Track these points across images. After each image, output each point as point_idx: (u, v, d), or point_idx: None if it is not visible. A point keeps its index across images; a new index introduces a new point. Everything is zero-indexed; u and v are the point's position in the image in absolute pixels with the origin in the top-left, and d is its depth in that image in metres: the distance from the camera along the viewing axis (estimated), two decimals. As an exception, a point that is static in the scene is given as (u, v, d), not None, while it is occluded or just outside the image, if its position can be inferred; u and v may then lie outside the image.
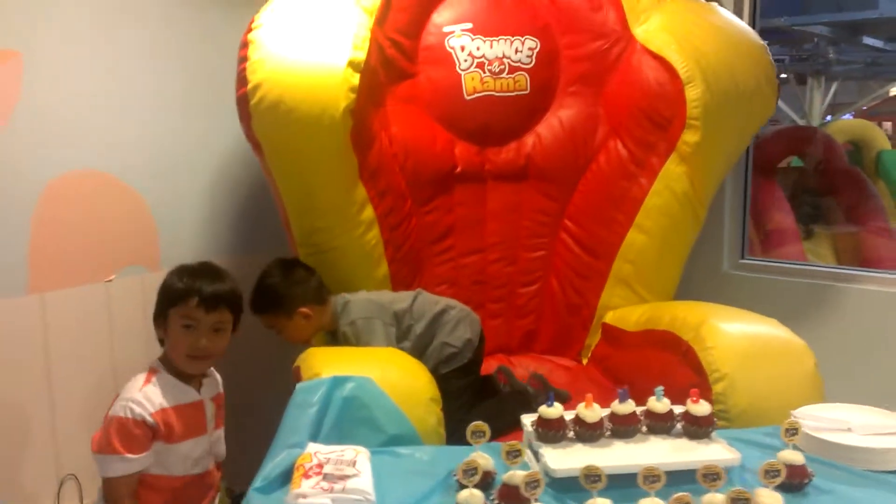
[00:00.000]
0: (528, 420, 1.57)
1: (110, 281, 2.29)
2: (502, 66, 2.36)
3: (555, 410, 1.47)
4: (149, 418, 1.66)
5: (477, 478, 1.27)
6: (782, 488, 1.31)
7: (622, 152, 2.33)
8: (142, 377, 1.72)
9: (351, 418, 1.59)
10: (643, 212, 2.29)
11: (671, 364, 1.96)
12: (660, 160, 2.26)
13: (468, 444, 1.39)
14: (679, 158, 2.22)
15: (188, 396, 1.75)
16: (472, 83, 2.35)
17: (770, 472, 1.25)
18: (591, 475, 1.22)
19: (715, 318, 1.91)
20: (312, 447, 1.50)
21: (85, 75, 2.13)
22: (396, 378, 1.67)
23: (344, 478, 1.38)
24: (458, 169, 2.39)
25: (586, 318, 2.42)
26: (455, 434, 1.71)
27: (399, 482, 1.42)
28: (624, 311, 2.31)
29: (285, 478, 1.43)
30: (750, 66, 2.22)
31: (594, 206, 2.39)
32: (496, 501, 1.29)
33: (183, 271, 1.74)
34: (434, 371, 1.87)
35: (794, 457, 1.36)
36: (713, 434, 1.49)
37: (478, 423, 1.39)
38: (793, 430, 1.38)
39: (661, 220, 2.28)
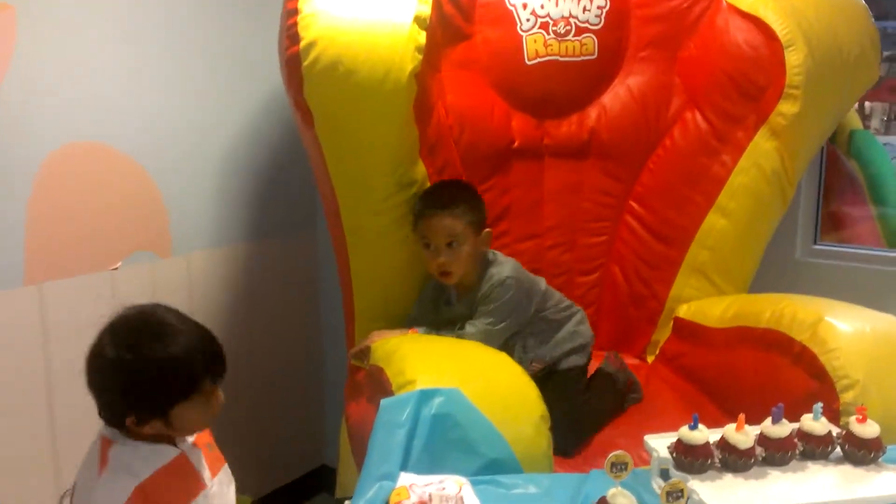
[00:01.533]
0: (657, 443, 1.33)
1: (116, 269, 2.03)
2: (568, 27, 2.09)
3: (700, 434, 1.23)
4: None
5: (641, 528, 1.02)
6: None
7: (702, 125, 2.08)
8: (95, 459, 1.28)
9: (442, 440, 1.34)
10: (726, 192, 2.04)
11: (778, 368, 1.73)
12: (747, 134, 2.01)
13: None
14: (770, 132, 1.98)
15: (165, 456, 1.32)
16: (534, 46, 2.08)
17: None
18: (790, 525, 0.98)
19: (831, 316, 1.68)
20: (405, 478, 1.26)
21: (92, 37, 1.89)
22: (503, 391, 1.42)
23: (457, 521, 1.13)
24: (516, 144, 2.12)
25: (653, 311, 2.18)
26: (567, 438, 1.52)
27: (517, 523, 1.17)
28: (702, 303, 2.07)
29: (381, 518, 1.18)
30: (854, 29, 1.97)
31: (666, 187, 2.15)
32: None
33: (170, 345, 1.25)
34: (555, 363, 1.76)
35: None
36: (881, 460, 1.26)
37: (619, 455, 1.15)
38: None
39: (746, 202, 2.04)
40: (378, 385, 1.49)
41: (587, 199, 2.21)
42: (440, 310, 1.91)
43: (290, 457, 2.68)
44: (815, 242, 2.43)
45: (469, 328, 1.79)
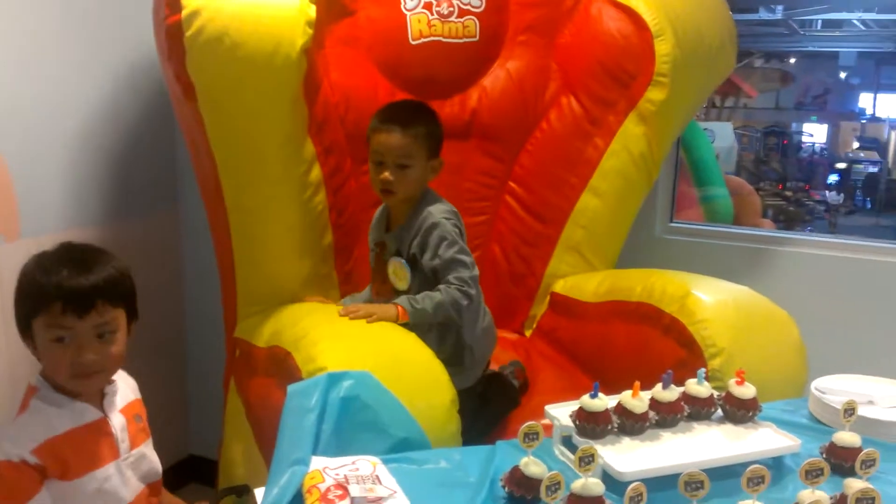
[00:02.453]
0: (557, 412, 1.39)
1: None
2: (451, 9, 2.11)
3: (601, 402, 1.30)
4: (29, 457, 1.27)
5: (560, 493, 1.07)
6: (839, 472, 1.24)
7: (576, 110, 2.17)
8: (17, 404, 1.33)
9: (351, 422, 1.33)
10: (598, 174, 2.15)
11: (649, 338, 1.85)
12: (618, 119, 2.13)
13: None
14: (639, 117, 2.10)
15: (85, 416, 1.36)
16: (418, 26, 2.08)
17: (812, 473, 1.12)
18: (694, 482, 1.07)
19: (697, 289, 1.82)
20: (317, 462, 1.23)
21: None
22: (415, 375, 1.42)
23: (377, 500, 1.13)
24: (399, 123, 2.11)
25: (531, 288, 2.27)
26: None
27: (432, 497, 1.19)
28: (576, 279, 2.18)
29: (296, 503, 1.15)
30: (716, 22, 2.13)
31: (543, 168, 2.23)
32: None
33: (39, 265, 1.32)
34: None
35: (853, 440, 1.29)
36: (756, 418, 1.39)
37: (530, 425, 1.19)
38: (850, 411, 1.31)
39: (616, 183, 2.16)
40: (285, 371, 1.45)
41: (469, 180, 2.25)
42: (380, 234, 1.84)
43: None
44: (671, 221, 2.61)
45: (439, 292, 1.69)
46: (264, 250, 1.80)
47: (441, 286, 1.70)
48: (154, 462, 1.51)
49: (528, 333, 2.28)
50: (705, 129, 3.05)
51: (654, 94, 2.07)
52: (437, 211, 1.74)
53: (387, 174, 1.71)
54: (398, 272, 1.78)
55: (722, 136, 4.61)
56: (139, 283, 2.41)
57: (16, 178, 1.96)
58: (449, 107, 2.18)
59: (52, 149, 2.05)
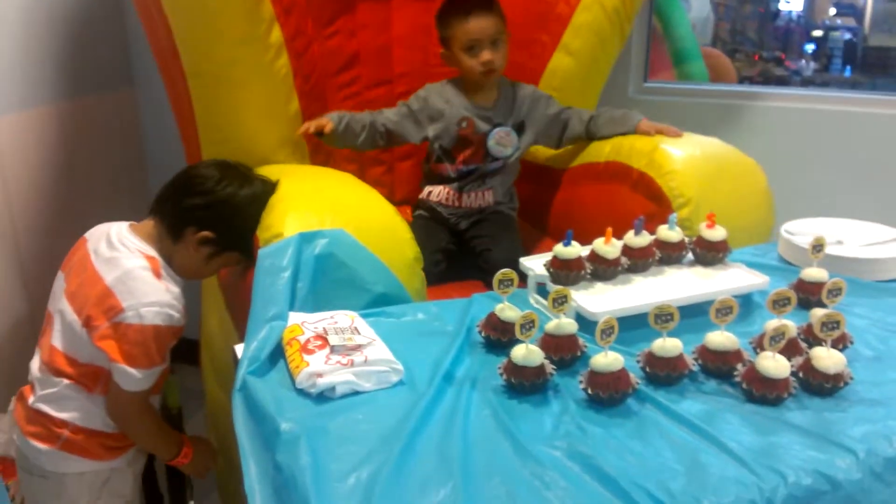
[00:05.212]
0: (531, 263, 1.40)
1: None
2: None
3: (573, 249, 1.31)
4: (183, 322, 1.45)
5: (534, 331, 1.09)
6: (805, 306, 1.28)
7: (546, -37, 2.08)
8: (145, 270, 1.41)
9: (327, 279, 1.33)
10: (570, 30, 2.08)
11: (618, 195, 1.85)
12: (590, -29, 2.04)
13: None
14: (611, -32, 2.02)
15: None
16: None
17: (779, 302, 1.14)
18: (663, 314, 1.09)
19: (665, 143, 1.81)
20: (295, 317, 1.24)
21: None
22: (377, 232, 1.40)
23: (357, 348, 1.15)
24: (360, -19, 2.02)
25: (504, 155, 2.24)
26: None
27: (411, 346, 1.21)
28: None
29: (276, 356, 1.17)
30: None
31: (513, 28, 2.14)
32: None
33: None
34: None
35: (820, 275, 1.31)
36: (726, 259, 1.41)
37: (505, 272, 1.20)
38: (818, 247, 1.33)
39: (590, 40, 2.10)
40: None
41: (437, 44, 2.17)
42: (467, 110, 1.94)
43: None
44: (644, 81, 2.57)
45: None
46: (228, 117, 1.74)
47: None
48: None
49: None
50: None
51: (627, -57, 1.98)
52: (521, 83, 2.01)
53: (488, 55, 1.85)
54: (504, 140, 1.94)
55: (698, 6, 4.49)
56: (100, 163, 2.38)
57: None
58: (413, -38, 2.08)
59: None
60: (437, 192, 1.99)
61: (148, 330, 1.36)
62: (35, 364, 1.49)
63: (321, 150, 1.98)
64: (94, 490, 1.49)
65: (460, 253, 1.94)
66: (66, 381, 1.43)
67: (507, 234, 1.95)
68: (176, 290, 1.43)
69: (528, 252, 1.78)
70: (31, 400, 1.46)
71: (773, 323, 1.11)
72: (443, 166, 1.97)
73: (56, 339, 1.44)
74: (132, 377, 1.38)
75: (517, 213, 2.10)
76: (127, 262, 1.40)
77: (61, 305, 1.45)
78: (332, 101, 2.06)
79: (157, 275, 1.41)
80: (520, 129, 1.98)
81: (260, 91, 1.75)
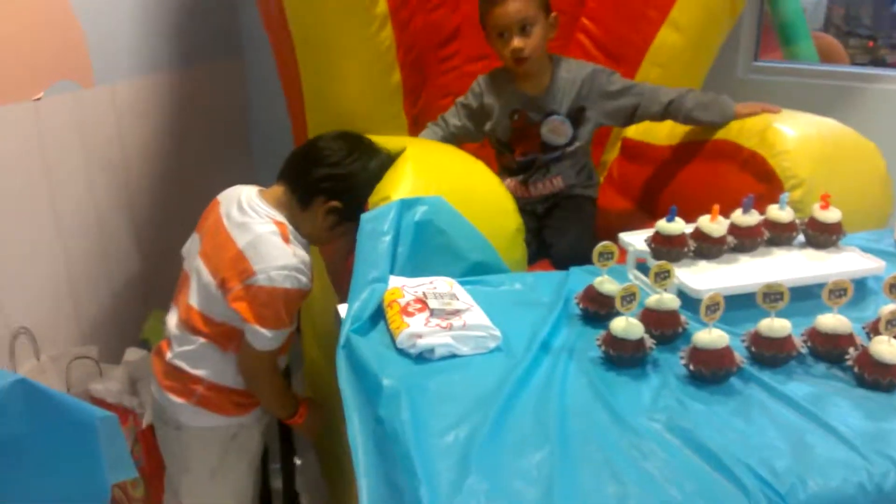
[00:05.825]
0: (631, 238, 1.38)
1: (39, 100, 1.89)
2: None
3: (677, 226, 1.28)
4: (311, 286, 1.50)
5: (635, 304, 1.07)
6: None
7: (656, -64, 2.03)
8: (275, 235, 1.46)
9: (426, 246, 1.35)
10: (679, 5, 2.02)
11: (725, 175, 1.78)
12: (700, -55, 1.98)
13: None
14: (725, -62, 1.95)
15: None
16: None
17: None
18: (773, 293, 1.06)
19: (779, 122, 1.74)
20: (397, 280, 1.27)
21: None
22: (481, 202, 1.42)
23: (456, 312, 1.16)
24: (467, -44, 2.02)
25: (602, 133, 2.20)
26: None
27: (508, 315, 1.21)
28: (649, 123, 2.10)
29: (377, 316, 1.20)
30: None
31: (620, 2, 2.11)
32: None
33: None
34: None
35: (943, 262, 1.25)
36: (840, 243, 1.35)
37: (606, 244, 1.19)
38: (942, 233, 1.26)
39: (698, 16, 2.03)
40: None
41: (538, 19, 2.15)
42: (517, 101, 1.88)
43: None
44: (754, 59, 2.47)
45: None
46: (332, 84, 1.78)
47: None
48: None
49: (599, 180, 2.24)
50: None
51: (743, -88, 1.90)
52: (577, 63, 1.89)
53: (515, 42, 1.75)
54: (558, 129, 1.86)
55: (809, -12, 4.28)
56: (208, 131, 2.48)
57: (84, 25, 1.98)
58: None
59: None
60: (507, 184, 1.97)
61: (278, 292, 1.42)
62: (172, 321, 1.56)
63: (420, 124, 2.00)
64: (223, 444, 1.57)
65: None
66: (202, 340, 1.50)
67: (574, 225, 1.89)
68: (303, 253, 1.48)
69: (600, 238, 1.77)
70: (168, 356, 1.54)
71: (889, 307, 1.06)
72: (505, 158, 1.95)
73: (193, 299, 1.51)
74: (263, 337, 1.44)
75: (599, 188, 2.06)
76: (258, 228, 1.45)
77: (197, 265, 1.52)
78: (432, 74, 2.08)
79: (286, 240, 1.45)
80: (579, 113, 1.88)
81: (363, 61, 1.78)
